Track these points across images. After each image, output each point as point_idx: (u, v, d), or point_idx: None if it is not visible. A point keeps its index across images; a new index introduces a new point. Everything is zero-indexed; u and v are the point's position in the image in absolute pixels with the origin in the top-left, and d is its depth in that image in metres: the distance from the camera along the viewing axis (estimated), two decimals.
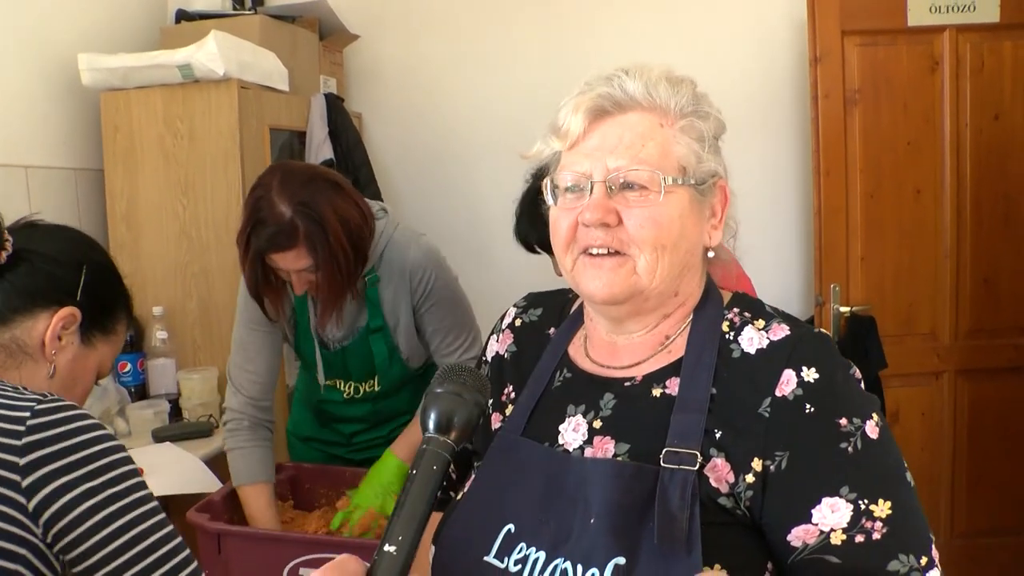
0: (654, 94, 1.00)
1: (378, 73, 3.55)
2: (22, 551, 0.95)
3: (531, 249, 2.10)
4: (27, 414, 1.02)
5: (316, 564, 1.57)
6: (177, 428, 2.43)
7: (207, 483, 2.10)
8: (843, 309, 2.98)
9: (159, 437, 2.35)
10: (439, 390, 0.90)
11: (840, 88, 2.95)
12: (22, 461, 0.98)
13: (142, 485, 1.06)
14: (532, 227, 2.02)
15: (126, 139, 2.65)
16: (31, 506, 0.97)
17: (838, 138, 2.97)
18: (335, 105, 3.04)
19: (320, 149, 2.94)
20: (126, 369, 2.59)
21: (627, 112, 1.00)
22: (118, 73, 2.59)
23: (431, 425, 0.87)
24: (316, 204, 1.74)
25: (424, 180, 3.50)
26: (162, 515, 1.07)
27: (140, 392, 2.61)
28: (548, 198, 1.05)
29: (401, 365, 2.04)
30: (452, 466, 1.24)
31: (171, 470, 2.12)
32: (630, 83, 1.01)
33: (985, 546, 3.04)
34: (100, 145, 2.68)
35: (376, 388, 2.07)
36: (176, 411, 2.57)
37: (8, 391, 1.07)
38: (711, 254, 1.06)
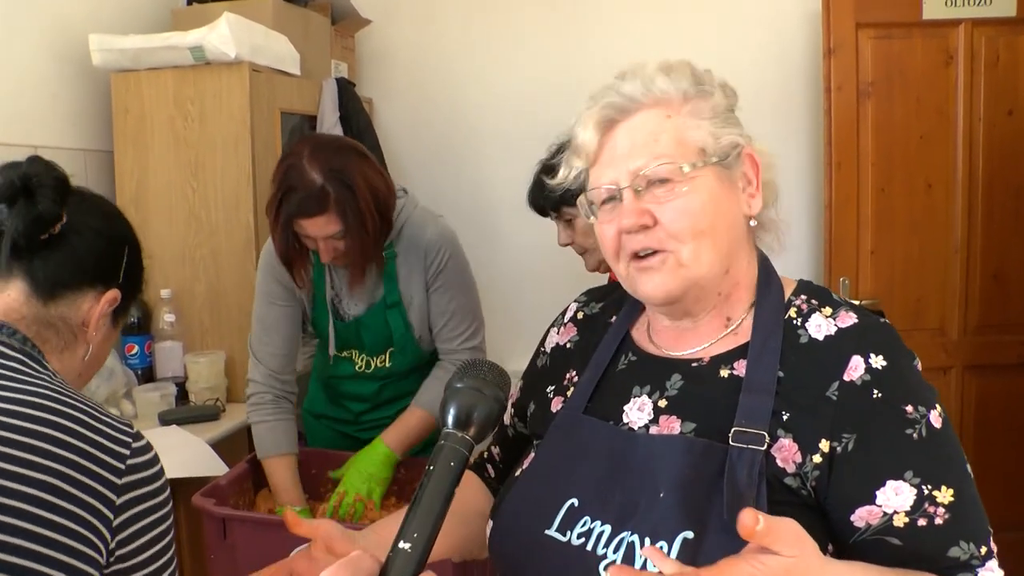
0: (653, 88, 1.03)
1: (389, 58, 3.54)
2: (92, 571, 0.98)
3: (543, 213, 2.15)
4: (127, 451, 1.03)
5: None
6: (184, 411, 2.43)
7: (213, 467, 2.10)
8: (852, 303, 2.96)
9: (165, 420, 2.35)
10: (459, 385, 0.89)
11: (853, 80, 2.93)
12: (118, 500, 1.01)
13: (173, 526, 1.11)
14: (541, 192, 2.10)
15: (136, 120, 2.64)
16: (113, 541, 1.00)
17: (850, 131, 2.95)
18: (346, 89, 3.03)
19: (331, 133, 2.93)
20: (133, 351, 2.59)
21: (633, 114, 1.04)
22: (129, 54, 2.59)
23: (450, 420, 0.86)
24: (346, 171, 1.80)
25: (434, 165, 3.49)
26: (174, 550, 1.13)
27: (147, 375, 2.61)
28: (587, 215, 1.09)
29: (414, 344, 2.07)
30: (496, 448, 1.27)
31: (177, 453, 2.12)
32: (627, 85, 1.04)
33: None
34: (110, 126, 2.68)
35: (388, 364, 2.09)
36: (183, 394, 2.57)
37: (102, 414, 1.06)
38: (753, 223, 1.07)
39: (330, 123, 2.93)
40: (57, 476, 0.96)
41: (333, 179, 1.78)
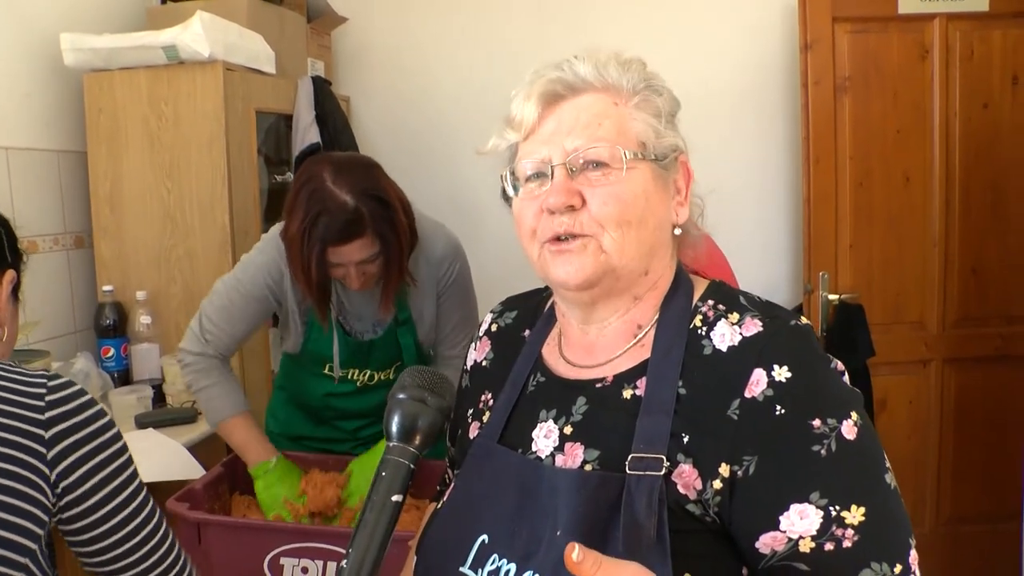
0: (605, 74, 1.00)
1: (366, 56, 3.52)
2: (36, 511, 1.04)
3: None
4: (43, 390, 1.09)
5: (297, 554, 1.56)
6: (160, 414, 2.41)
7: (190, 470, 2.09)
8: (832, 297, 2.98)
9: (142, 423, 2.33)
10: (401, 396, 0.89)
11: (831, 75, 2.94)
12: (47, 434, 1.06)
13: (132, 461, 1.16)
14: None
15: (110, 121, 2.62)
16: (53, 475, 1.06)
17: (828, 126, 2.96)
18: (322, 88, 3.01)
19: (307, 132, 2.92)
20: (109, 354, 2.57)
21: (580, 94, 0.99)
22: (102, 54, 2.56)
23: (394, 432, 0.86)
24: (378, 189, 1.72)
25: (412, 164, 3.46)
26: (146, 492, 1.17)
27: (123, 378, 2.59)
28: (509, 190, 1.03)
29: (423, 356, 2.04)
30: (449, 470, 1.23)
31: (154, 456, 2.11)
32: (580, 66, 1.00)
33: (969, 533, 3.06)
34: (83, 127, 2.65)
35: (392, 376, 2.03)
36: (159, 397, 2.55)
37: (10, 366, 1.11)
38: (678, 231, 1.03)
39: (306, 122, 2.91)
40: None
41: (365, 198, 1.68)
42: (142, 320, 2.58)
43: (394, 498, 0.81)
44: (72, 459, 1.07)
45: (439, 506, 1.08)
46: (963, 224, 3.03)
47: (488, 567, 0.94)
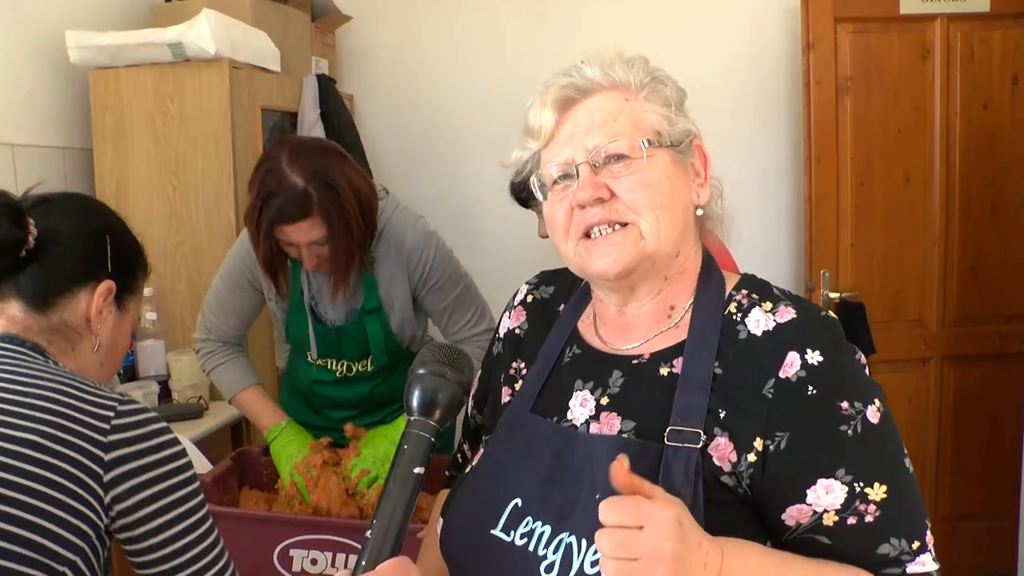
0: (612, 73, 1.04)
1: (370, 55, 3.54)
2: (91, 532, 1.06)
3: (524, 204, 2.14)
4: (111, 413, 1.10)
5: (306, 545, 1.57)
6: (166, 409, 2.42)
7: (197, 465, 2.09)
8: (832, 295, 3.01)
9: None
10: (421, 371, 0.92)
11: (832, 75, 2.96)
12: (107, 457, 1.07)
13: (198, 492, 1.16)
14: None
15: (115, 118, 2.63)
16: (107, 498, 1.07)
17: (829, 125, 2.98)
18: (327, 86, 3.02)
19: (312, 130, 2.93)
20: None
21: (591, 95, 1.04)
22: (107, 51, 2.57)
23: (415, 406, 0.89)
24: (328, 172, 1.75)
25: (414, 161, 3.49)
26: (211, 522, 1.18)
27: (129, 374, 2.60)
28: (538, 195, 1.07)
29: (395, 345, 2.05)
30: (465, 444, 1.26)
31: None
32: (587, 69, 1.05)
33: (967, 529, 3.07)
34: (89, 124, 2.66)
35: (370, 368, 2.06)
36: (165, 392, 2.57)
37: (89, 386, 1.12)
38: (700, 212, 1.08)
39: (311, 120, 2.92)
40: (40, 435, 1.05)
41: (315, 181, 1.72)
42: (148, 316, 2.59)
43: (416, 470, 0.84)
44: (129, 485, 1.08)
45: (467, 471, 1.11)
46: (963, 223, 3.05)
47: (521, 529, 0.98)
